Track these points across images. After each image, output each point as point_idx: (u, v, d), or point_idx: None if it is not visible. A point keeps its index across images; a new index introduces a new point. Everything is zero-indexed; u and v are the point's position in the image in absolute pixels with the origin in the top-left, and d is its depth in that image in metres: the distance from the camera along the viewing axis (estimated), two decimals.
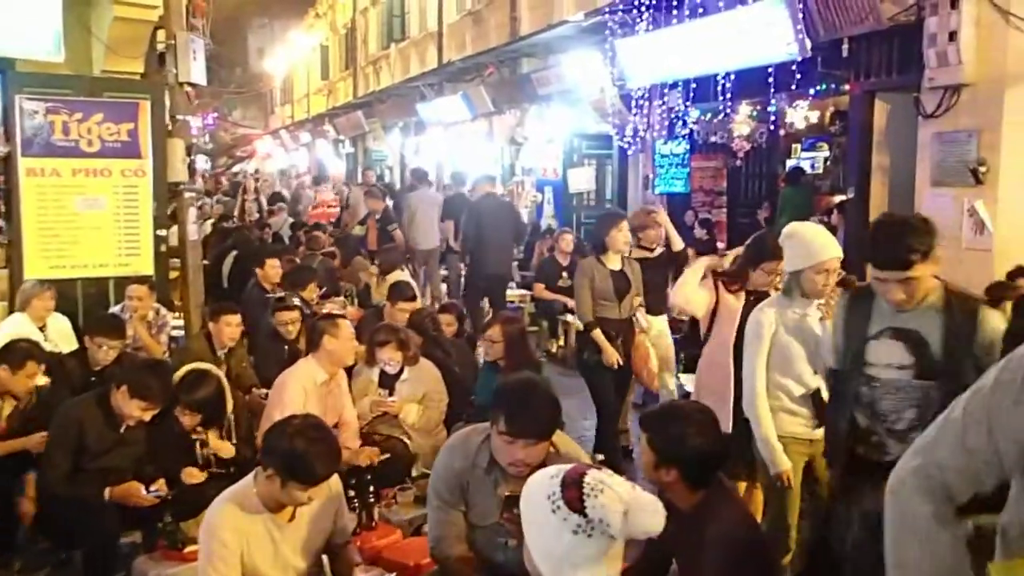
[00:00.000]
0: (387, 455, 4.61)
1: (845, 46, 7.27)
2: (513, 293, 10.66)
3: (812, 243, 3.62)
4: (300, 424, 2.88)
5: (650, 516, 1.72)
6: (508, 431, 2.78)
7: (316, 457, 2.81)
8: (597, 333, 5.50)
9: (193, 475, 4.12)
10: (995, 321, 2.82)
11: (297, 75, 35.65)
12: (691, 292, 4.53)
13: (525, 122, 13.93)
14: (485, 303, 9.54)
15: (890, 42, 6.90)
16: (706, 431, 2.73)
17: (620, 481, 1.75)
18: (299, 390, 4.52)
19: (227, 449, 4.18)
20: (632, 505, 1.70)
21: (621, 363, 5.51)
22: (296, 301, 6.21)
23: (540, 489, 1.72)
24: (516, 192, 14.93)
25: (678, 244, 6.27)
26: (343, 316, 4.90)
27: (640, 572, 2.91)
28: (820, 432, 3.54)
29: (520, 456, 2.72)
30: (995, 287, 4.75)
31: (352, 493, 4.10)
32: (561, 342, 9.24)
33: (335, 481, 3.08)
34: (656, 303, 6.14)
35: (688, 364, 5.88)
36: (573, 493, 1.66)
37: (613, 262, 5.61)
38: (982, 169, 6.01)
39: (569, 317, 9.09)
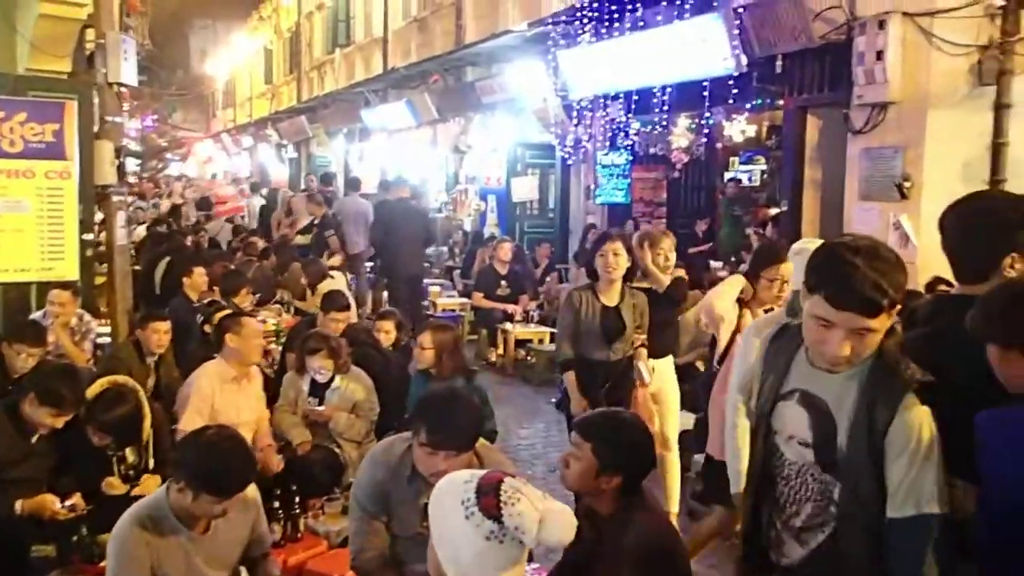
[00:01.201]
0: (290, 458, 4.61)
1: (779, 62, 7.43)
2: (452, 301, 10.66)
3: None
4: (213, 435, 2.81)
5: (563, 526, 1.71)
6: (429, 442, 2.77)
7: (230, 468, 2.74)
8: (568, 376, 4.64)
9: (113, 486, 3.99)
10: (917, 418, 2.02)
11: (240, 78, 35.13)
12: (727, 306, 4.12)
13: (469, 130, 13.93)
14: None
15: (822, 60, 7.07)
16: (648, 438, 2.76)
17: (533, 489, 1.74)
18: (207, 388, 4.50)
19: (119, 487, 4.01)
20: (546, 514, 1.69)
21: None
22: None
23: (453, 494, 1.71)
24: (459, 200, 14.92)
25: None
26: (249, 314, 4.84)
27: (564, 572, 2.91)
28: None
29: (442, 467, 2.69)
30: (910, 295, 4.86)
31: (277, 504, 4.03)
32: (500, 351, 9.24)
33: (252, 491, 3.01)
34: (662, 343, 5.04)
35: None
36: (490, 500, 1.65)
37: (607, 295, 4.68)
38: (907, 184, 6.19)
39: (508, 326, 9.11)
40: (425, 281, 11.83)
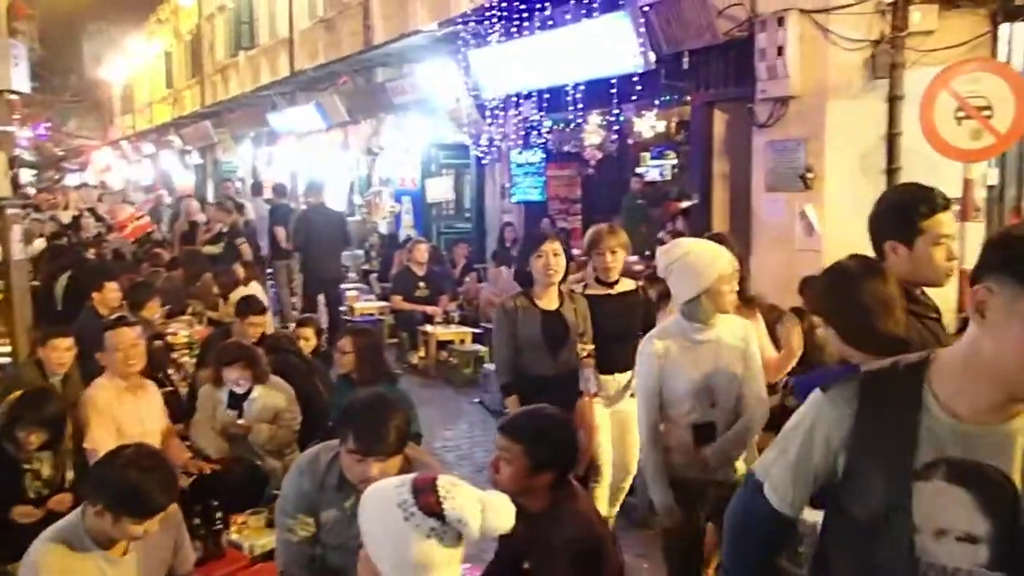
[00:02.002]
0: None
1: (686, 59, 7.59)
2: (371, 305, 10.55)
3: (712, 260, 3.25)
4: (131, 454, 2.71)
5: (503, 513, 1.77)
6: (358, 449, 2.73)
7: (151, 487, 2.65)
8: (511, 403, 4.04)
9: (26, 513, 3.81)
10: None
11: (139, 83, 33.93)
12: (766, 344, 3.81)
13: (381, 132, 13.81)
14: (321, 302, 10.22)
15: (726, 56, 7.26)
16: (573, 431, 2.79)
17: (467, 484, 1.79)
18: (103, 402, 4.36)
19: (31, 514, 3.85)
20: (486, 503, 1.75)
21: None
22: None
23: (386, 499, 1.73)
24: (374, 203, 14.77)
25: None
26: (133, 323, 4.70)
27: (494, 572, 2.92)
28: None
29: (372, 473, 2.66)
30: (806, 281, 5.09)
31: (197, 520, 3.91)
32: (422, 353, 9.18)
33: (174, 510, 2.91)
34: (619, 356, 4.28)
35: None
36: (430, 498, 1.69)
37: (546, 300, 4.22)
38: (810, 175, 6.41)
39: (429, 328, 9.06)
40: (341, 286, 11.73)
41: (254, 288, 7.43)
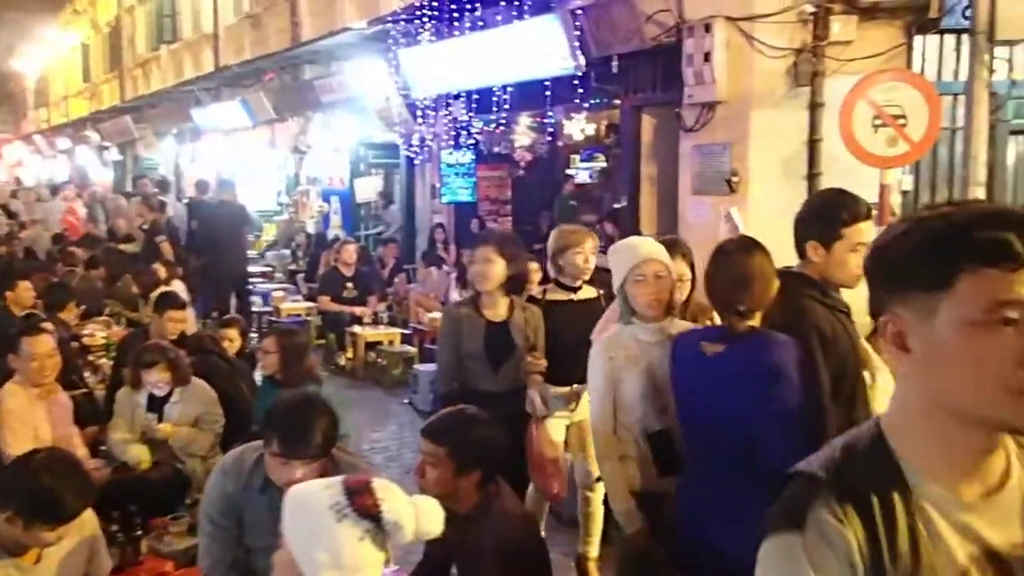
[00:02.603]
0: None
1: (615, 63, 7.68)
2: (297, 306, 10.39)
3: (628, 247, 3.17)
4: (44, 459, 2.60)
5: (434, 517, 1.78)
6: (283, 452, 2.67)
7: (65, 492, 2.55)
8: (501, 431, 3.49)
9: None
10: None
11: (54, 76, 32.67)
12: None
13: (309, 130, 13.62)
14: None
15: (654, 61, 7.37)
16: (498, 428, 2.77)
17: (396, 486, 1.78)
18: (16, 406, 4.21)
19: None
20: (418, 507, 1.75)
21: None
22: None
23: (317, 502, 1.70)
24: (301, 202, 14.55)
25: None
26: (50, 330, 4.54)
27: (422, 574, 2.90)
28: (667, 482, 2.98)
29: (297, 476, 2.61)
30: None
31: (115, 527, 3.77)
32: (350, 354, 9.07)
33: (88, 514, 2.80)
34: (580, 366, 3.47)
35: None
36: (367, 500, 1.67)
37: (493, 309, 3.92)
38: (734, 179, 6.55)
39: (357, 328, 8.96)
40: (269, 286, 11.55)
41: (176, 287, 7.22)
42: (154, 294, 6.85)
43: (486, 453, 2.65)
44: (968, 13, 5.54)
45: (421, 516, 1.72)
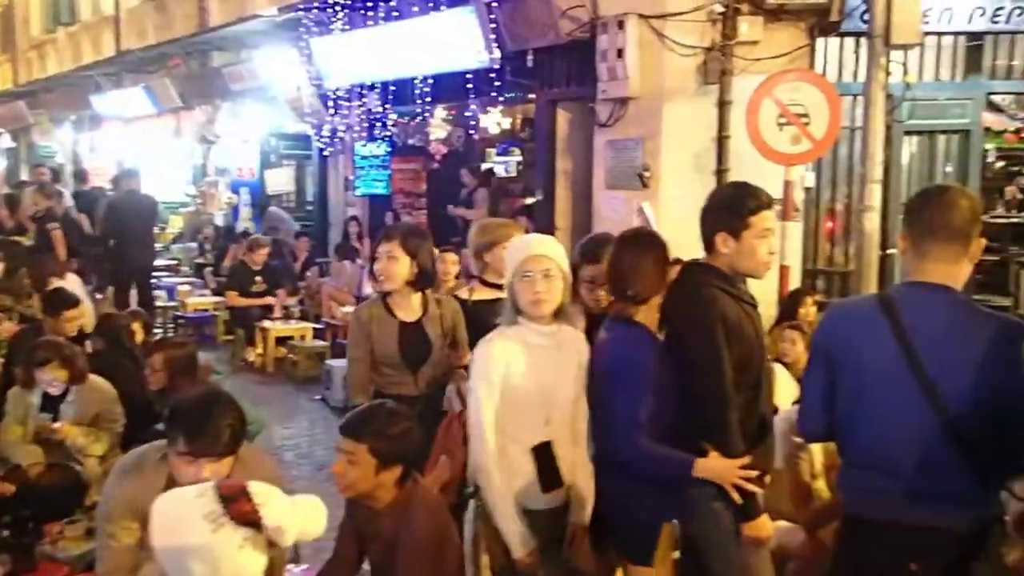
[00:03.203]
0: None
1: (530, 57, 7.70)
2: (204, 300, 10.11)
3: (520, 244, 3.03)
4: None
5: (318, 516, 1.75)
6: (189, 451, 2.58)
7: None
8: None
9: None
10: None
11: None
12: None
13: (217, 119, 13.25)
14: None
15: (569, 56, 7.42)
16: (412, 421, 2.73)
17: (275, 488, 1.75)
18: None
19: None
20: (298, 508, 1.70)
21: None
22: None
23: (189, 512, 1.63)
24: (209, 194, 14.14)
25: None
26: None
27: (332, 571, 2.85)
28: (548, 498, 2.86)
29: (205, 475, 2.52)
30: None
31: (7, 532, 3.59)
32: (260, 350, 8.86)
33: None
34: None
35: None
36: (245, 506, 1.60)
37: (405, 309, 3.64)
38: (647, 174, 6.66)
39: (267, 323, 8.76)
40: (175, 280, 11.20)
41: (70, 281, 6.88)
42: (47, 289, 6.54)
43: (407, 447, 2.62)
44: (866, 17, 5.76)
45: (303, 517, 1.68)
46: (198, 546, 1.57)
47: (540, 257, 2.83)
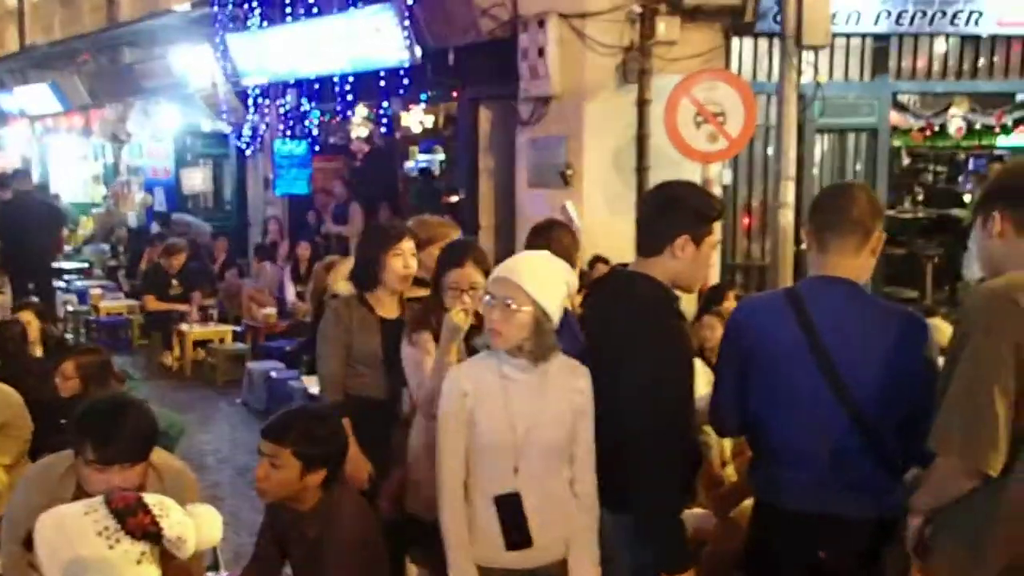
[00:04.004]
0: None
1: (451, 55, 7.67)
2: (118, 304, 9.78)
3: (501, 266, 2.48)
4: None
5: (214, 525, 1.73)
6: (98, 459, 2.48)
7: None
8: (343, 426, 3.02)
9: None
10: None
11: None
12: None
13: (129, 117, 12.84)
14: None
15: (490, 54, 7.42)
16: (339, 427, 2.68)
17: (168, 498, 1.72)
18: None
19: None
20: (196, 517, 1.68)
21: (373, 477, 3.27)
22: None
23: (80, 529, 1.58)
24: (122, 194, 13.69)
25: None
26: None
27: (254, 572, 2.79)
28: (512, 558, 2.41)
29: (116, 483, 2.43)
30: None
31: None
32: (177, 353, 8.61)
33: None
34: None
35: None
36: (143, 519, 1.54)
37: (387, 306, 3.49)
38: (569, 172, 6.71)
39: (184, 326, 8.52)
40: (87, 283, 10.81)
41: None
42: None
43: (332, 450, 2.57)
44: (778, 19, 5.93)
45: (202, 526, 1.64)
46: (94, 564, 1.50)
47: (505, 282, 2.36)
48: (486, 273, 2.86)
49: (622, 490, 2.32)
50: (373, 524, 2.69)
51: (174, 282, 8.79)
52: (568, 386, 2.41)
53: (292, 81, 9.66)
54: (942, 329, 3.19)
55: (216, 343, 8.49)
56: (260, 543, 2.77)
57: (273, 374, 7.06)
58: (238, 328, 8.80)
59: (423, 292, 3.57)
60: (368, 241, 3.57)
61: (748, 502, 2.71)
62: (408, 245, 3.45)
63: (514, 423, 2.36)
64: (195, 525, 1.58)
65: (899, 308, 2.37)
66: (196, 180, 12.93)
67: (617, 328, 2.41)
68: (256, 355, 8.10)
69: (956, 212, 9.92)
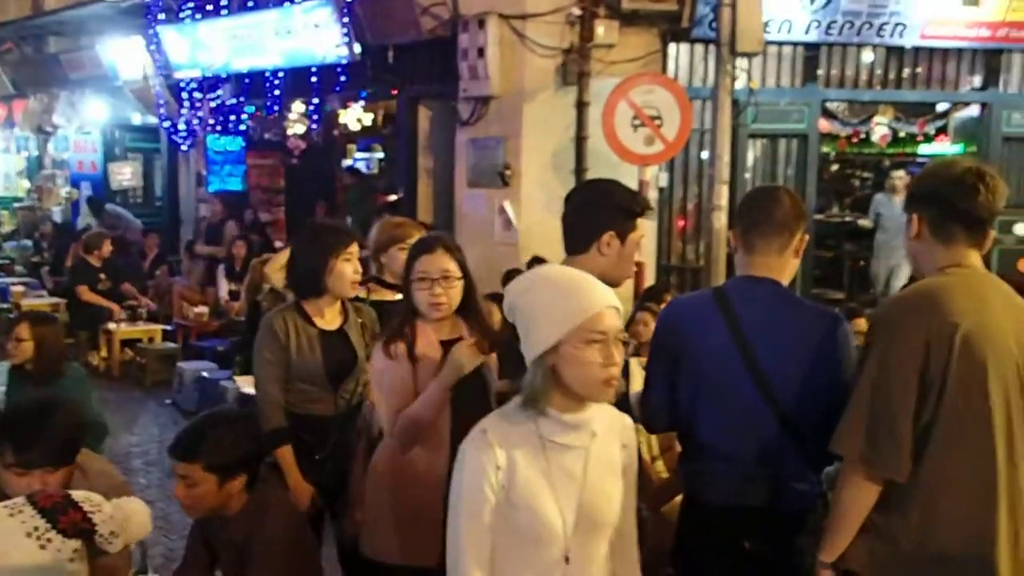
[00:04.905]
0: None
1: (391, 53, 7.62)
2: (41, 302, 9.46)
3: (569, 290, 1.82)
4: None
5: (145, 518, 1.72)
6: (19, 463, 2.41)
7: None
8: (284, 455, 2.99)
9: None
10: None
11: None
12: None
13: (55, 109, 12.43)
14: None
15: (431, 53, 7.40)
16: (248, 426, 2.63)
17: (97, 495, 1.69)
18: None
19: None
20: (125, 511, 1.66)
21: (318, 504, 3.03)
22: None
23: (9, 531, 1.53)
24: (46, 188, 13.26)
25: None
26: None
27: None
28: None
29: (37, 487, 2.35)
30: (508, 274, 5.47)
31: None
32: (104, 353, 8.37)
33: None
34: None
35: None
36: (75, 516, 1.50)
37: (327, 316, 3.16)
38: (508, 172, 6.74)
39: (112, 325, 8.29)
40: (8, 280, 10.45)
41: None
42: None
43: (244, 453, 2.50)
44: (714, 26, 6.05)
45: (130, 519, 1.61)
46: (27, 566, 1.45)
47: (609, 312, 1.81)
48: (460, 264, 2.64)
49: None
50: (300, 522, 2.65)
51: (102, 276, 8.53)
52: (621, 441, 1.93)
53: (226, 75, 9.48)
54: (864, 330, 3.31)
55: (145, 342, 8.28)
56: (189, 547, 2.72)
57: (205, 374, 6.93)
58: (168, 327, 8.60)
59: (390, 295, 3.42)
60: (311, 244, 3.16)
61: (679, 498, 2.76)
62: (356, 248, 3.15)
63: (564, 503, 1.81)
64: (124, 519, 1.54)
65: (820, 308, 2.44)
66: (125, 175, 12.60)
67: None
68: (187, 355, 7.92)
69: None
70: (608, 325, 1.77)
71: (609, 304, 1.80)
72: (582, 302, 1.79)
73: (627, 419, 1.99)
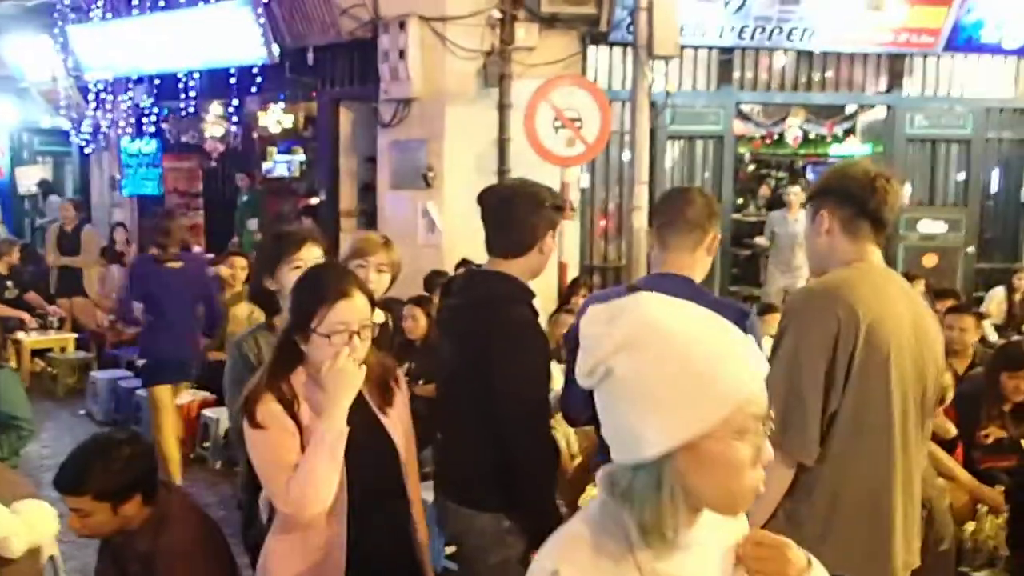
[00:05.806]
0: None
1: (311, 54, 7.53)
2: None
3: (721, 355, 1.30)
4: None
5: (46, 523, 1.73)
6: None
7: None
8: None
9: None
10: None
11: None
12: None
13: None
14: None
15: (351, 55, 7.35)
16: (136, 446, 2.53)
17: None
18: None
19: None
20: (24, 515, 1.56)
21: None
22: None
23: None
24: None
25: None
26: None
27: None
28: None
29: None
30: (431, 276, 5.50)
31: None
32: (13, 364, 8.01)
33: None
34: None
35: None
36: None
37: None
38: (431, 174, 6.73)
39: (20, 335, 7.96)
40: None
41: None
42: None
43: (134, 475, 2.39)
44: (631, 29, 6.16)
45: (31, 521, 1.55)
46: None
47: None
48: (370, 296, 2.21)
49: (496, 487, 2.35)
50: (204, 524, 2.58)
51: (9, 284, 8.19)
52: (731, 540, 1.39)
53: (139, 76, 9.22)
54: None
55: (57, 352, 7.98)
56: (100, 561, 2.64)
57: (120, 383, 6.72)
58: (80, 335, 8.32)
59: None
60: (259, 255, 2.97)
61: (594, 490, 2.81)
62: (311, 253, 2.71)
63: None
64: (23, 522, 1.49)
65: (729, 302, 2.54)
66: (33, 179, 12.13)
67: (485, 330, 2.37)
68: (101, 364, 7.67)
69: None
70: (764, 402, 1.24)
71: (764, 370, 1.26)
72: (742, 373, 1.24)
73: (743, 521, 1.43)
